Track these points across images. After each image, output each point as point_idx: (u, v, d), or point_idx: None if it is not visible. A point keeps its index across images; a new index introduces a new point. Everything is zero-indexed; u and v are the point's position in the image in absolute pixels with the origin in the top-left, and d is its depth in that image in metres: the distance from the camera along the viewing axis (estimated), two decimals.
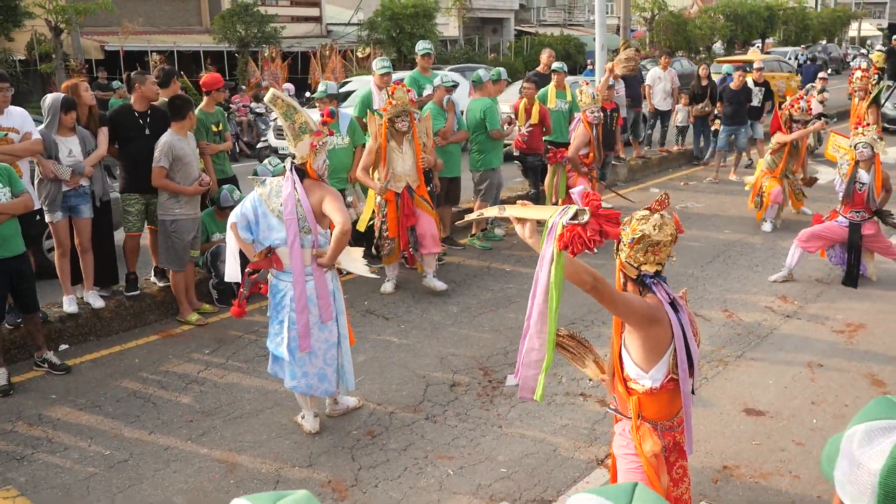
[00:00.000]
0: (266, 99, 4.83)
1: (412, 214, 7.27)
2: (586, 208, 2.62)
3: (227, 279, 5.20)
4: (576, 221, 2.61)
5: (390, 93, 7.06)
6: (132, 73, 7.04)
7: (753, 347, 6.38)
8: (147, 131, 6.73)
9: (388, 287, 7.72)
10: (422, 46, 9.48)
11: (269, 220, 4.79)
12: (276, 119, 13.00)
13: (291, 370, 4.88)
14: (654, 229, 3.07)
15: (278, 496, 1.17)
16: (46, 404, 5.46)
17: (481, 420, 5.21)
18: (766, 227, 9.79)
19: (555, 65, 10.69)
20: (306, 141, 4.74)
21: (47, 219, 6.32)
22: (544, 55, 11.83)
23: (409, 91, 7.15)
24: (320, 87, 8.30)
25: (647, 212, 3.14)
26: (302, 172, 4.77)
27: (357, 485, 4.48)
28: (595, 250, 2.74)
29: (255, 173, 7.57)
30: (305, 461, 4.73)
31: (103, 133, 6.65)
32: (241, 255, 4.96)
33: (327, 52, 25.66)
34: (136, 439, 4.97)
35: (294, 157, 4.78)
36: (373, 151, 7.30)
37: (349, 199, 8.10)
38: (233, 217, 4.87)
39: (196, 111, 7.50)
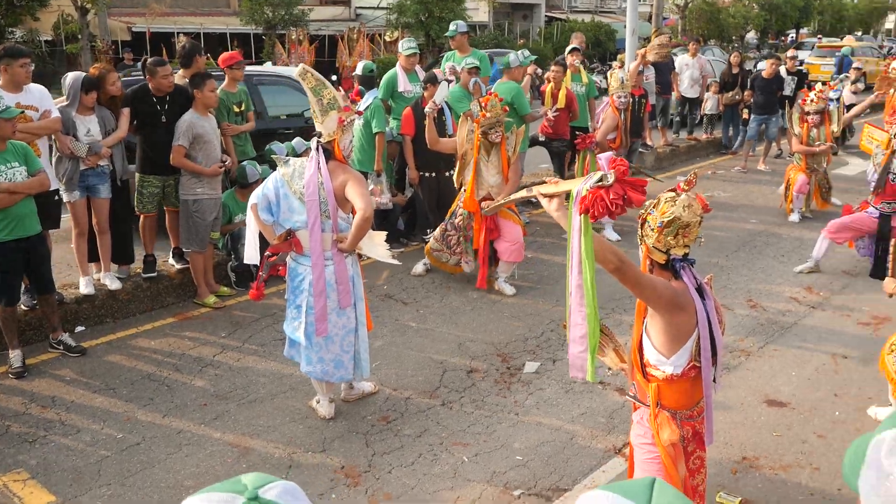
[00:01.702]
0: (296, 73, 4.74)
1: (495, 228, 7.06)
2: (611, 171, 2.54)
3: (245, 261, 5.15)
4: (600, 184, 2.54)
5: (483, 104, 6.77)
6: (147, 61, 6.97)
7: (777, 338, 6.25)
8: (164, 118, 6.65)
9: (419, 268, 7.65)
10: (451, 28, 9.39)
11: (290, 201, 4.70)
12: None
13: (308, 355, 4.83)
14: (684, 210, 2.96)
15: (226, 483, 1.11)
16: (60, 386, 5.45)
17: (498, 407, 5.14)
18: (794, 217, 9.63)
19: (571, 45, 10.49)
20: (333, 117, 4.63)
21: (65, 198, 6.31)
22: (575, 39, 11.65)
23: (500, 100, 6.91)
24: (359, 66, 8.25)
25: (674, 193, 3.03)
26: (328, 152, 4.68)
27: (370, 471, 4.44)
28: (616, 217, 2.66)
29: (272, 151, 7.53)
30: (319, 446, 4.68)
31: (125, 115, 6.60)
32: (261, 237, 4.90)
33: (355, 36, 25.59)
34: (149, 422, 4.95)
35: (320, 135, 4.69)
36: (462, 157, 6.99)
37: (370, 187, 8.02)
38: (253, 198, 4.80)
39: (218, 91, 7.48)
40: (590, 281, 2.70)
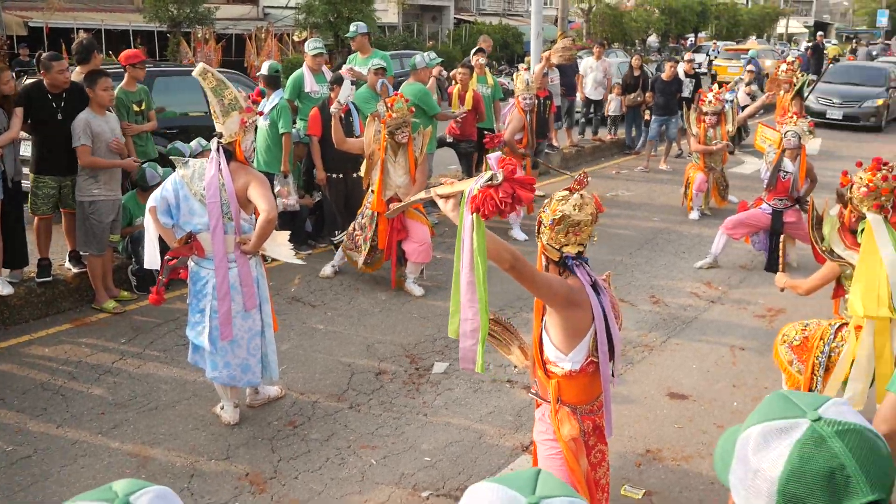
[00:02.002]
0: (195, 73, 4.61)
1: (402, 228, 7.02)
2: (500, 170, 2.59)
3: (145, 266, 4.98)
4: (489, 183, 2.58)
5: (389, 105, 6.70)
6: (42, 56, 6.69)
7: (678, 332, 6.44)
8: (60, 116, 6.39)
9: (327, 270, 7.56)
10: (351, 29, 9.36)
11: (190, 203, 4.59)
12: None
13: (213, 360, 4.71)
14: (575, 209, 3.02)
15: (96, 491, 1.07)
16: None
17: (406, 408, 5.13)
18: (694, 215, 9.96)
19: (478, 46, 10.62)
20: (235, 118, 4.54)
21: None
22: (482, 42, 11.76)
23: (406, 101, 6.87)
24: (264, 66, 8.11)
25: (567, 192, 3.09)
26: (229, 153, 4.58)
27: (276, 477, 4.36)
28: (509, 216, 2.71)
29: (173, 151, 7.32)
30: (223, 454, 4.58)
31: (17, 115, 6.31)
32: (162, 240, 4.76)
33: (263, 35, 25.17)
34: (41, 433, 4.73)
35: (221, 136, 4.58)
36: (369, 158, 6.91)
37: (277, 188, 7.92)
38: (152, 200, 4.65)
39: (116, 90, 7.24)
40: (481, 277, 2.74)
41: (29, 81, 6.79)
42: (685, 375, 5.67)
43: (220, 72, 7.31)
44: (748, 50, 25.87)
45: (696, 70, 14.65)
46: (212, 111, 4.60)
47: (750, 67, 16.26)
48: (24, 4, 23.95)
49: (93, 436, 4.72)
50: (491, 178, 2.59)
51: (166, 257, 4.67)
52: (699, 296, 7.30)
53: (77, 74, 6.94)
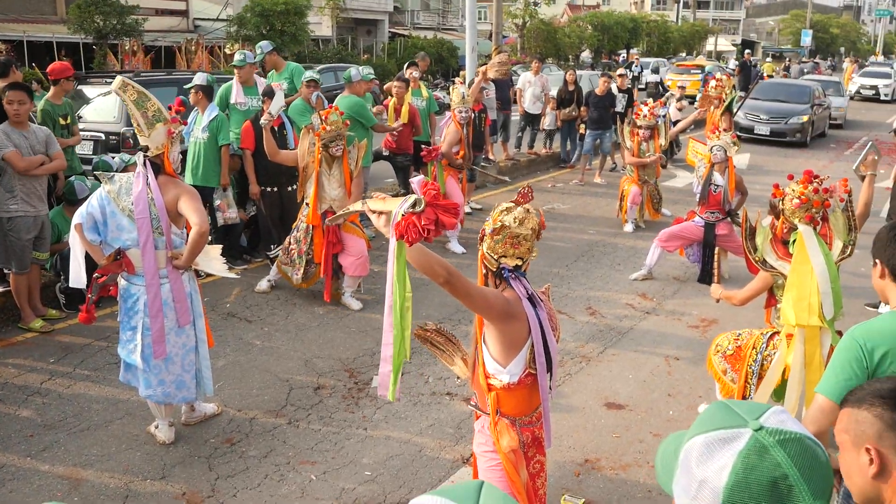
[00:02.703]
0: (114, 86, 4.50)
1: (338, 242, 6.95)
2: (422, 197, 2.57)
3: (71, 284, 4.82)
4: (412, 210, 2.56)
5: (324, 117, 6.64)
6: None
7: (615, 343, 6.53)
8: None
9: (263, 285, 7.46)
10: (258, 52, 9.38)
11: (118, 219, 4.46)
12: None
13: (146, 378, 4.60)
14: (515, 222, 3.03)
15: None
16: None
17: (346, 423, 5.08)
18: (628, 227, 10.13)
19: (412, 61, 10.73)
20: (161, 130, 4.45)
21: None
22: (420, 61, 11.81)
23: (341, 114, 6.81)
24: (199, 76, 8.00)
25: (512, 204, 3.10)
26: (157, 167, 4.49)
27: (214, 496, 4.27)
28: (433, 240, 2.69)
29: (100, 165, 7.13)
30: (158, 473, 4.46)
31: None
32: (90, 257, 4.62)
33: (193, 48, 24.79)
34: None
35: (146, 149, 4.48)
36: (304, 171, 6.85)
37: (217, 202, 7.79)
38: (77, 217, 4.50)
39: (42, 102, 7.03)
40: (399, 303, 2.73)
41: None
42: (622, 385, 5.75)
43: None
44: (699, 66, 26.73)
45: (629, 86, 14.97)
46: (135, 125, 4.49)
47: (680, 83, 16.71)
48: None
49: (21, 459, 4.55)
50: (415, 204, 2.57)
51: (95, 275, 4.54)
52: (634, 307, 7.42)
53: None
